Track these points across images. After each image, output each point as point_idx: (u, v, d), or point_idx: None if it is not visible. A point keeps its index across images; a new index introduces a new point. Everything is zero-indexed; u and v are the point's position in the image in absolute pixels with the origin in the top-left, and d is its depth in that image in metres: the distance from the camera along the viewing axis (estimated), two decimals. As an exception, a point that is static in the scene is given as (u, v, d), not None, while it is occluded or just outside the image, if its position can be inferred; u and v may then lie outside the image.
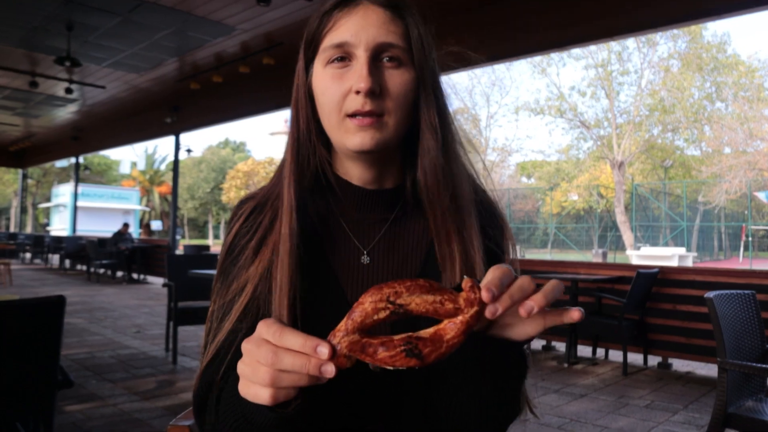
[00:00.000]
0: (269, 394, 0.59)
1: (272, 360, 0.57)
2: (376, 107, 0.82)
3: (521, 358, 0.76)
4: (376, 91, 0.81)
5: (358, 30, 0.83)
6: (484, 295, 0.59)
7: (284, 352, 0.57)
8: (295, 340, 0.57)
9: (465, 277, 0.61)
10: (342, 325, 0.59)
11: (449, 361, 0.71)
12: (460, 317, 0.59)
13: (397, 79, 0.83)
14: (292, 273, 0.81)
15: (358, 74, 0.81)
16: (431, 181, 0.88)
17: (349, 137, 0.84)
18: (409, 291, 0.58)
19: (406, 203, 0.93)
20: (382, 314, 0.58)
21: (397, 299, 0.58)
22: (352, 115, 0.82)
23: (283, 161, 0.93)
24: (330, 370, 0.57)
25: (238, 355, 0.67)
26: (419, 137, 0.88)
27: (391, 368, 0.58)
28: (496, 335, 0.70)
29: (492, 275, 0.62)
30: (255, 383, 0.59)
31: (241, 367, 0.61)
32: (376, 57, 0.83)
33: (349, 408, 0.83)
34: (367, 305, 0.58)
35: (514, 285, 0.63)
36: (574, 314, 0.63)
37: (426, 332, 0.59)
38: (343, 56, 0.83)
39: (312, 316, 0.82)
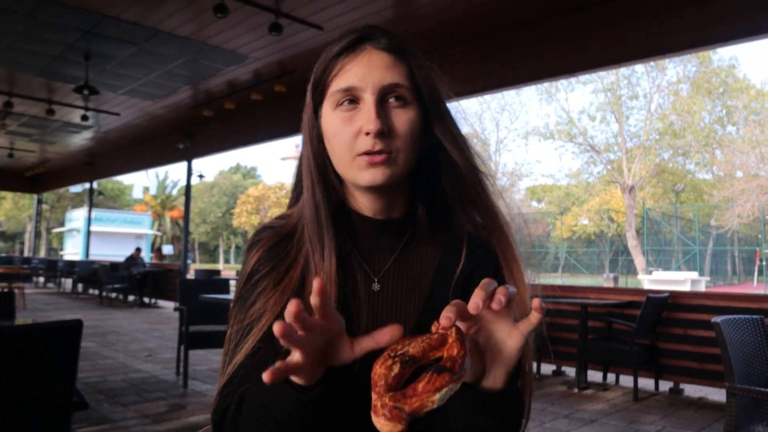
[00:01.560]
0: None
1: None
2: (386, 146, 0.88)
3: (517, 399, 0.79)
4: (384, 132, 0.87)
5: (364, 74, 0.88)
6: (443, 323, 0.66)
7: None
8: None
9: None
10: (374, 397, 0.63)
11: (452, 416, 0.78)
12: (449, 339, 0.67)
13: (403, 117, 0.89)
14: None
15: (366, 117, 0.87)
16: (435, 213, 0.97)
17: (361, 174, 0.89)
18: (400, 344, 0.67)
19: (416, 231, 0.99)
20: (396, 368, 0.64)
21: (396, 352, 0.66)
22: (364, 153, 0.88)
23: (299, 197, 0.99)
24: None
25: (256, 375, 0.73)
26: (440, 165, 0.96)
27: (436, 403, 0.62)
28: (491, 387, 0.74)
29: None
30: None
31: None
32: (383, 98, 0.89)
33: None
34: (379, 369, 0.65)
35: (479, 286, 0.69)
36: (535, 306, 0.69)
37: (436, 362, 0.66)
38: (352, 99, 0.89)
39: None
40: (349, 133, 0.89)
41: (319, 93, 0.94)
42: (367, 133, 0.87)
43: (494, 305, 0.68)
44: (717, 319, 2.75)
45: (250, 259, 0.96)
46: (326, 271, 0.90)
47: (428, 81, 0.93)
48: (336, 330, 0.69)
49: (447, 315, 0.66)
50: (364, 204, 0.97)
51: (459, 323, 0.70)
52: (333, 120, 0.91)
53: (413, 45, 0.95)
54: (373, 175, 0.88)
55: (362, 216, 0.97)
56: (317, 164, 0.96)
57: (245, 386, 0.83)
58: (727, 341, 2.69)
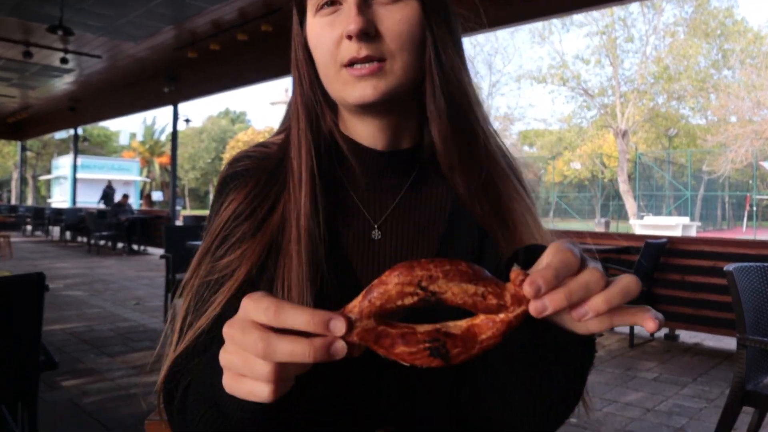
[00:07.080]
0: (270, 391, 0.46)
1: (264, 350, 0.45)
2: (374, 51, 0.68)
3: (587, 345, 0.60)
4: (370, 33, 0.67)
5: None
6: (527, 290, 0.46)
7: (278, 339, 0.45)
8: (299, 316, 0.45)
9: (515, 266, 0.47)
10: (355, 306, 0.46)
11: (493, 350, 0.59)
12: (501, 315, 0.47)
13: (396, 14, 0.69)
14: (308, 259, 0.70)
15: (346, 15, 0.68)
16: (451, 135, 0.74)
17: (348, 90, 0.70)
18: (446, 277, 0.46)
19: (425, 165, 0.79)
20: (408, 300, 0.46)
21: (430, 285, 0.46)
22: (350, 65, 0.69)
23: (286, 127, 0.80)
24: (341, 348, 0.45)
25: (210, 354, 0.57)
26: (430, 82, 0.73)
27: (407, 365, 0.47)
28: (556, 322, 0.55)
29: (548, 260, 0.48)
30: (250, 378, 0.47)
31: (226, 358, 0.48)
32: None
33: (353, 404, 0.70)
34: (392, 287, 0.46)
35: (577, 280, 0.48)
36: (649, 323, 0.48)
37: (457, 326, 0.48)
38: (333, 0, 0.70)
39: (318, 303, 0.69)
40: (330, 40, 0.70)
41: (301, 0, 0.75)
42: (349, 37, 0.67)
43: (574, 315, 0.49)
44: (729, 266, 2.61)
45: (225, 198, 0.76)
46: (301, 215, 0.71)
47: None
48: None
49: (537, 281, 0.46)
50: (363, 132, 0.77)
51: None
52: (313, 27, 0.72)
53: None
54: (362, 91, 0.69)
55: (360, 147, 0.77)
56: (302, 84, 0.77)
57: (194, 366, 0.66)
58: (740, 290, 2.56)
